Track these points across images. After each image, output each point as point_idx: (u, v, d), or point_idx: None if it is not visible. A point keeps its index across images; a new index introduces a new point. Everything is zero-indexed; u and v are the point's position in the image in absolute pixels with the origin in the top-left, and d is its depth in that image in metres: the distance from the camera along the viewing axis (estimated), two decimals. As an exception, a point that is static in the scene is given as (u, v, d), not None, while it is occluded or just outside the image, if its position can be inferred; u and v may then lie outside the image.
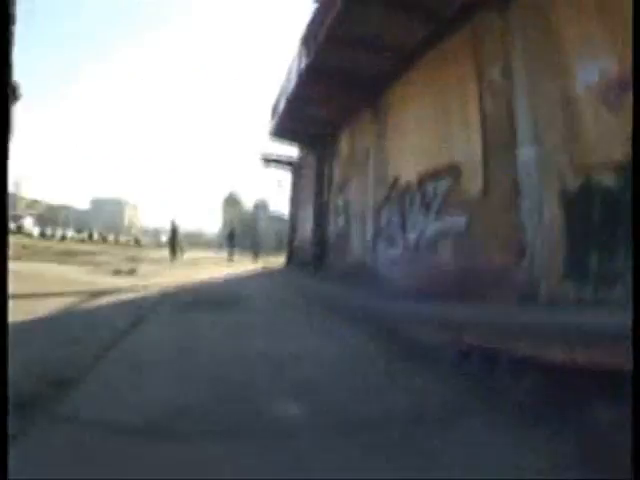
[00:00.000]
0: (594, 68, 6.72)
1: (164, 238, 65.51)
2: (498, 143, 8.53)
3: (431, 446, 3.25)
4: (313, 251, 20.10)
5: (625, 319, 5.10)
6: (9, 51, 2.91)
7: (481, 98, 9.16)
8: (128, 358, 4.92)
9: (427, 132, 11.22)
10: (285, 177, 26.90)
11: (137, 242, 72.73)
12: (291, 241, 25.52)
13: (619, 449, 3.07)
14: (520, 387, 4.34)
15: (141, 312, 7.56)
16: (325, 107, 16.43)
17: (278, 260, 28.50)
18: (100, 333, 5.83)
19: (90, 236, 70.69)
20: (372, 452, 3.13)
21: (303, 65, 14.39)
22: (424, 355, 5.47)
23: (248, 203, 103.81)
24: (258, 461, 2.86)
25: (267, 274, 20.17)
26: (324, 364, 5.28)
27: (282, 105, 18.65)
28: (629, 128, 6.16)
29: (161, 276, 14.77)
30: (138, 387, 4.01)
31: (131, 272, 14.84)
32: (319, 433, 3.39)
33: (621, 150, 6.20)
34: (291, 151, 25.56)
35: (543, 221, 7.25)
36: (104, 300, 8.68)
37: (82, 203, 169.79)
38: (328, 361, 5.47)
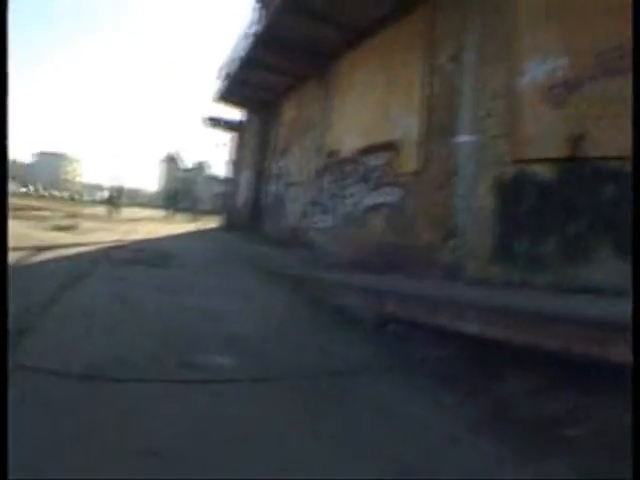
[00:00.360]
0: (542, 67, 6.73)
1: (103, 194, 64.00)
2: (439, 126, 8.45)
3: (344, 395, 3.54)
4: (250, 214, 19.80)
5: (546, 301, 5.25)
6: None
7: (427, 81, 9.03)
8: (72, 310, 5.00)
9: (371, 107, 11.09)
10: (227, 140, 26.48)
11: (79, 197, 71.23)
12: (230, 203, 24.96)
13: (523, 415, 3.56)
14: (434, 354, 4.62)
15: (83, 267, 7.66)
16: (275, 74, 16.05)
17: (216, 221, 28.20)
18: (47, 285, 5.98)
19: (35, 190, 68.87)
20: (292, 397, 3.44)
21: (257, 30, 13.92)
22: (348, 320, 5.66)
23: (188, 163, 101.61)
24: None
25: (205, 235, 19.89)
26: (251, 322, 5.42)
27: (231, 68, 18.05)
28: (569, 126, 6.36)
29: (101, 233, 14.58)
30: (80, 335, 4.18)
31: (73, 228, 14.60)
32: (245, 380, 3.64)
33: (557, 146, 6.33)
34: (235, 114, 24.74)
35: (476, 205, 7.25)
36: (49, 255, 8.71)
37: (26, 156, 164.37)
38: (255, 320, 5.59)
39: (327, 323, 5.74)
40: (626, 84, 5.72)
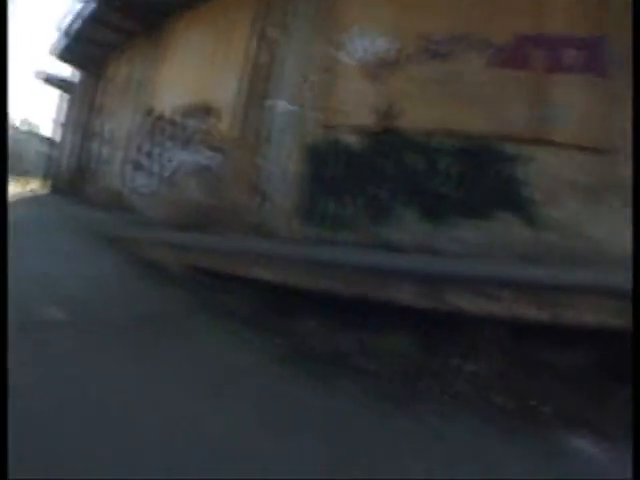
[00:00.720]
0: (366, 43, 6.82)
1: None
2: (260, 92, 8.20)
3: (160, 338, 4.02)
4: (75, 177, 18.25)
5: (345, 254, 5.39)
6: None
7: (253, 46, 8.75)
8: None
9: (197, 70, 10.59)
10: (57, 98, 24.23)
11: None
12: (56, 165, 22.69)
13: (320, 351, 4.07)
14: (239, 301, 5.01)
15: None
16: (115, 32, 14.87)
17: (43, 184, 26.66)
18: None
19: None
20: (116, 341, 3.87)
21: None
22: (162, 274, 6.05)
23: (16, 122, 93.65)
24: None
25: (31, 198, 18.56)
26: (76, 279, 5.72)
27: (71, 25, 16.22)
28: (384, 100, 6.30)
29: None
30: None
31: None
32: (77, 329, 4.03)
33: (370, 118, 6.47)
34: (69, 71, 22.27)
35: (288, 169, 7.19)
36: None
37: None
38: (79, 277, 5.87)
39: (143, 277, 6.08)
40: (445, 68, 6.07)
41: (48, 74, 22.54)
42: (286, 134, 7.37)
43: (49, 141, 29.95)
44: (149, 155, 11.92)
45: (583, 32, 5.70)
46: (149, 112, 12.41)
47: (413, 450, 2.98)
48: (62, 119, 22.80)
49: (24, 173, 36.85)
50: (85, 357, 3.46)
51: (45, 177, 25.37)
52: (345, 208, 6.45)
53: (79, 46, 17.25)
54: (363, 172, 6.37)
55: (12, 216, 10.79)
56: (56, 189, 20.49)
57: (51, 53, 19.59)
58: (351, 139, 6.56)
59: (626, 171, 5.09)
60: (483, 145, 5.71)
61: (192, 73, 10.73)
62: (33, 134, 76.88)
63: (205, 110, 9.72)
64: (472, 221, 5.58)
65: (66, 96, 22.84)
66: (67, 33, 17.11)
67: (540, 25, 5.81)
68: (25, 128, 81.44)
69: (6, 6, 2.75)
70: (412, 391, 3.81)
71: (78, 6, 15.16)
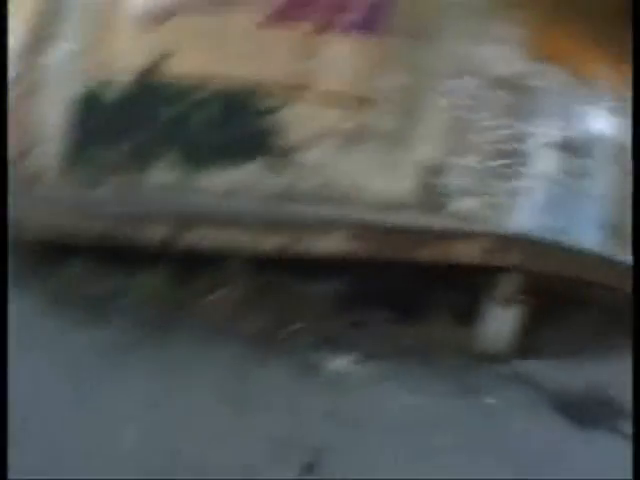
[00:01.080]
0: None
1: None
2: (42, 39, 7.01)
3: None
4: None
5: (106, 197, 5.55)
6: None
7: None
8: None
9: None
10: None
11: None
12: None
13: (82, 294, 4.21)
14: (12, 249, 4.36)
15: None
16: None
17: None
18: None
19: None
20: None
21: None
22: None
23: None
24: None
25: None
26: None
27: None
28: (151, 49, 6.27)
29: None
30: None
31: None
32: None
33: (137, 66, 6.27)
34: None
35: (59, 116, 6.77)
36: None
37: None
38: None
39: None
40: (217, 21, 5.70)
41: None
42: (60, 81, 6.98)
43: None
44: None
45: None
46: None
47: (181, 369, 3.54)
48: None
49: None
50: None
51: None
52: (113, 155, 6.45)
53: None
54: (129, 121, 6.51)
55: None
56: None
57: None
58: (120, 88, 6.54)
59: (388, 124, 5.48)
60: (243, 96, 5.84)
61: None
62: None
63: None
64: (226, 166, 5.78)
65: None
66: None
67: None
68: None
69: (6, 6, 2.69)
70: (171, 324, 4.05)
71: None
